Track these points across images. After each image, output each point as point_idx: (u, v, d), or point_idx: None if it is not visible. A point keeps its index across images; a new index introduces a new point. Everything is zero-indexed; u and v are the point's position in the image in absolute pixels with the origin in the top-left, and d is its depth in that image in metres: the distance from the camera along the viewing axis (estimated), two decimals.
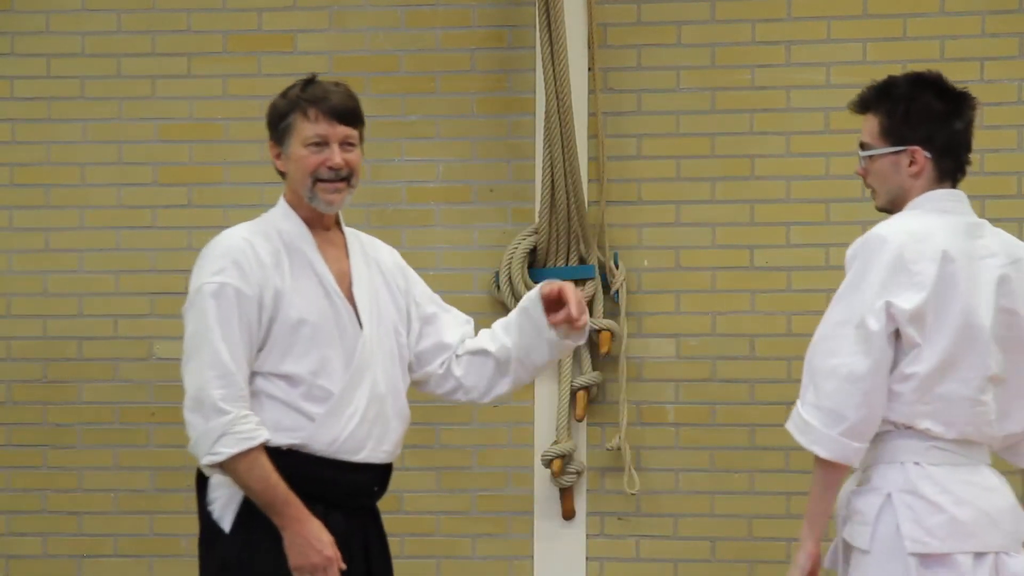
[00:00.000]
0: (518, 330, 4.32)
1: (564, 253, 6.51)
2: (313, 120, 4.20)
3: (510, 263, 6.45)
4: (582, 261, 6.53)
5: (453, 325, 4.42)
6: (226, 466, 4.02)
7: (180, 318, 6.75)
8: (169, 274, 6.77)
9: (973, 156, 6.45)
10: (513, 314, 4.37)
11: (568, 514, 6.54)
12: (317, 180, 4.18)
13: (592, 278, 6.52)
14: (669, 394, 6.54)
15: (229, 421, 4.00)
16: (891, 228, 3.81)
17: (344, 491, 4.13)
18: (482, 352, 4.37)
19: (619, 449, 6.49)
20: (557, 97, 6.37)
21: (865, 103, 3.97)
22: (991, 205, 6.49)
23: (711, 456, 6.53)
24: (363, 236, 4.42)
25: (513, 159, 6.69)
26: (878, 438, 3.82)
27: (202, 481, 4.19)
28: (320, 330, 4.10)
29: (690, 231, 6.64)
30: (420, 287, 4.44)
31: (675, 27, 6.65)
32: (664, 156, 6.64)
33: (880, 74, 6.50)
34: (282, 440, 4.07)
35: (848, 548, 3.85)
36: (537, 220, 6.49)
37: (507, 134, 6.70)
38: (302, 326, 4.08)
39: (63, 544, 6.78)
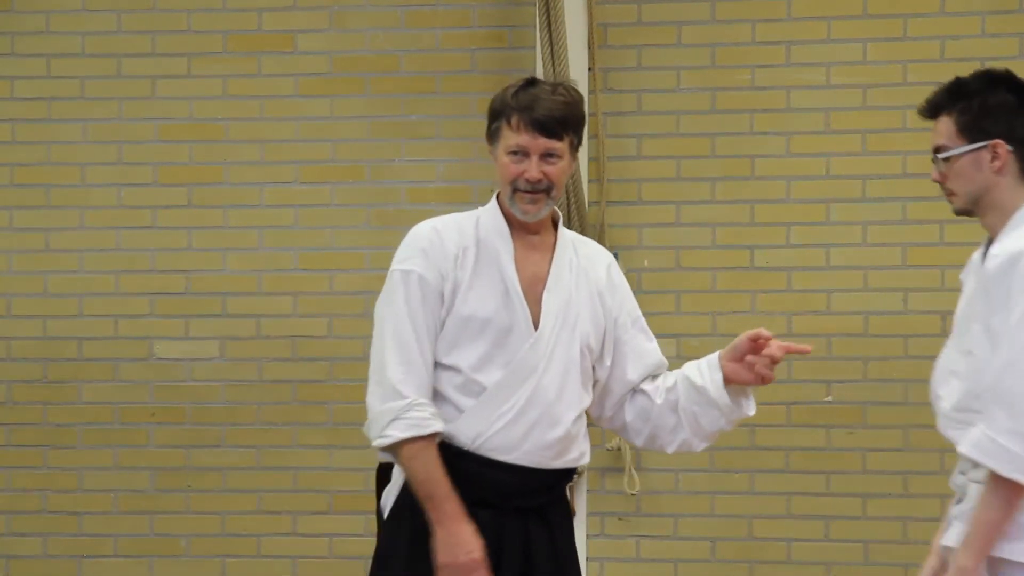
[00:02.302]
0: (686, 391, 4.28)
1: None
2: (515, 130, 4.07)
3: None
4: None
5: (641, 359, 4.35)
6: (393, 450, 4.00)
7: (180, 318, 6.80)
8: (169, 274, 6.77)
9: None
10: (694, 371, 4.31)
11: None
12: (515, 190, 4.10)
13: None
14: None
15: (404, 406, 3.98)
16: None
17: (490, 489, 4.07)
18: (649, 400, 4.32)
19: (619, 449, 6.49)
20: None
21: (937, 106, 3.88)
22: None
23: (711, 456, 6.53)
24: (582, 244, 4.34)
25: None
26: None
27: (382, 474, 4.22)
28: (489, 326, 4.07)
29: (690, 231, 6.64)
30: (628, 307, 4.36)
31: (675, 27, 6.64)
32: (664, 156, 6.64)
33: (880, 74, 6.56)
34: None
35: (1006, 564, 3.74)
36: None
37: None
38: (471, 320, 4.07)
39: (63, 544, 6.78)
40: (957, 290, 6.46)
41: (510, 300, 4.09)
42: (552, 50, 6.35)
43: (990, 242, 3.93)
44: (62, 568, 6.77)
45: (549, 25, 6.34)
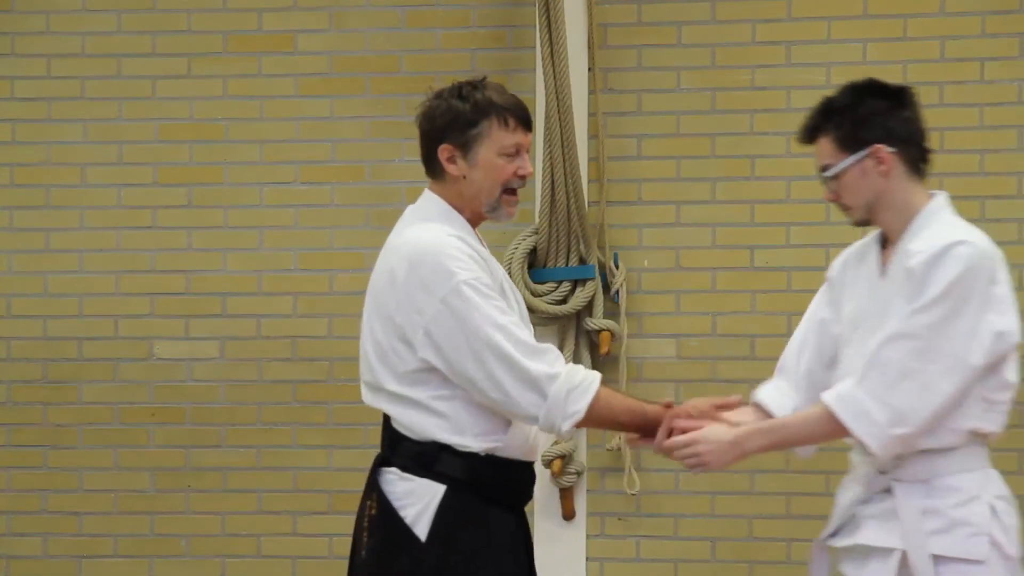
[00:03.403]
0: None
1: (564, 253, 6.50)
2: (511, 130, 4.07)
3: (510, 263, 6.44)
4: (582, 261, 6.53)
5: None
6: (587, 418, 3.95)
7: (180, 318, 6.80)
8: (169, 274, 6.78)
9: (973, 156, 6.53)
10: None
11: (568, 515, 6.54)
12: (506, 190, 4.10)
13: (592, 278, 6.52)
14: (669, 394, 6.53)
15: (565, 378, 3.93)
16: (975, 238, 3.78)
17: (527, 491, 4.14)
18: None
19: (619, 449, 6.49)
20: (557, 97, 6.37)
21: (813, 129, 3.95)
22: (991, 205, 6.49)
23: None
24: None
25: None
26: (955, 447, 3.79)
27: (377, 484, 4.07)
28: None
29: (690, 231, 6.63)
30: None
31: (675, 27, 6.64)
32: (664, 156, 6.64)
33: (880, 74, 6.53)
34: (482, 445, 4.00)
35: (940, 560, 3.76)
36: (537, 220, 6.48)
37: None
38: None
39: (63, 544, 6.78)
40: None
41: (507, 299, 4.10)
42: (552, 50, 6.35)
43: (884, 240, 3.96)
44: (62, 568, 6.77)
45: (549, 25, 6.34)
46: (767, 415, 4.11)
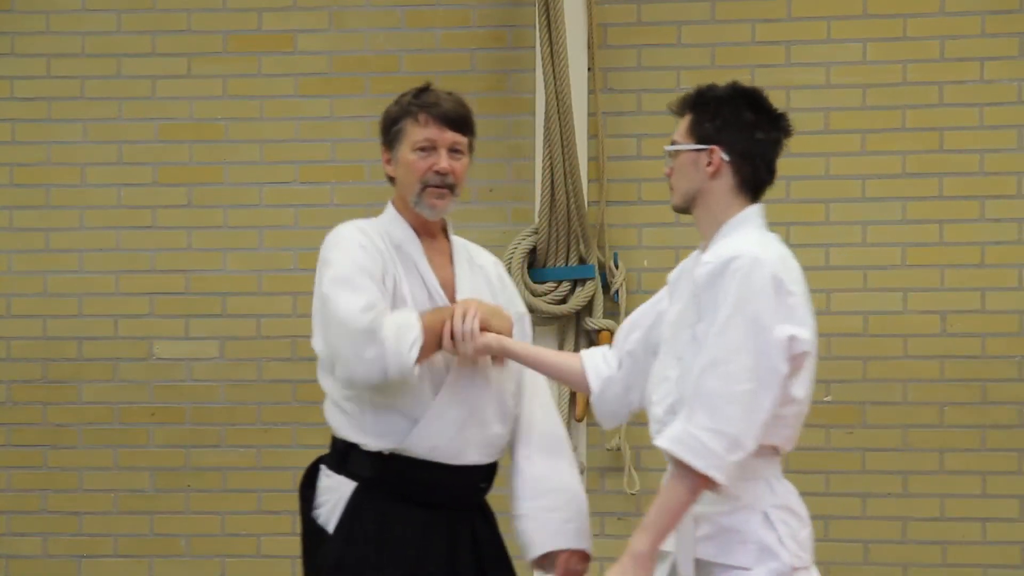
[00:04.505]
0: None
1: (564, 253, 6.51)
2: (423, 125, 4.18)
3: (510, 263, 6.44)
4: (582, 261, 6.53)
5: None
6: (425, 350, 4.01)
7: (180, 318, 6.80)
8: (169, 274, 6.78)
9: (973, 156, 6.53)
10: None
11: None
12: (425, 186, 4.17)
13: (592, 278, 6.52)
14: None
15: (389, 323, 3.98)
16: (755, 250, 3.81)
17: (448, 493, 4.16)
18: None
19: (619, 449, 6.49)
20: (557, 97, 6.37)
21: (684, 104, 3.99)
22: (991, 205, 6.49)
23: None
24: (470, 245, 4.42)
25: (513, 159, 6.69)
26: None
27: (308, 486, 4.23)
28: None
29: (690, 231, 6.54)
30: (515, 304, 4.41)
31: (675, 27, 6.65)
32: (664, 156, 6.63)
33: (880, 74, 6.57)
34: (383, 444, 4.10)
35: (709, 567, 3.79)
36: (537, 220, 6.49)
37: (507, 134, 6.70)
38: None
39: (63, 544, 6.78)
40: (957, 289, 6.52)
41: (433, 302, 4.16)
42: (552, 50, 6.35)
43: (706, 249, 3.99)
44: (62, 568, 6.77)
45: (549, 25, 6.34)
46: (582, 372, 4.13)
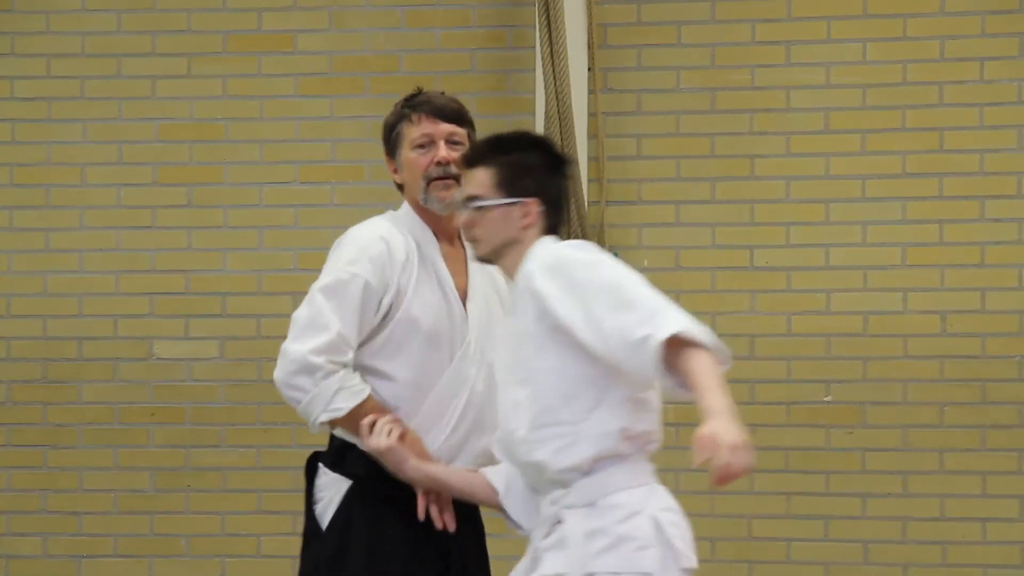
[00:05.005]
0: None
1: None
2: (417, 123, 4.22)
3: None
4: None
5: None
6: (343, 421, 4.07)
7: (180, 318, 6.80)
8: (169, 274, 6.78)
9: (973, 156, 6.55)
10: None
11: None
12: (429, 180, 4.20)
13: None
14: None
15: (341, 378, 4.05)
16: (550, 250, 3.86)
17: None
18: None
19: None
20: (557, 97, 6.37)
21: (476, 157, 3.99)
22: (991, 205, 6.49)
23: None
24: None
25: None
26: (611, 465, 3.80)
27: (310, 478, 4.25)
28: (434, 335, 4.15)
29: (690, 231, 6.64)
30: None
31: (675, 27, 6.65)
32: (664, 156, 6.64)
33: (880, 74, 6.57)
34: None
35: None
36: None
37: None
38: (417, 327, 4.14)
39: (63, 544, 6.78)
40: (957, 289, 6.52)
41: (450, 306, 4.18)
42: (552, 50, 6.35)
43: None
44: (62, 568, 6.77)
45: (549, 25, 6.34)
46: (485, 481, 4.09)
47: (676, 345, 3.64)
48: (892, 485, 6.52)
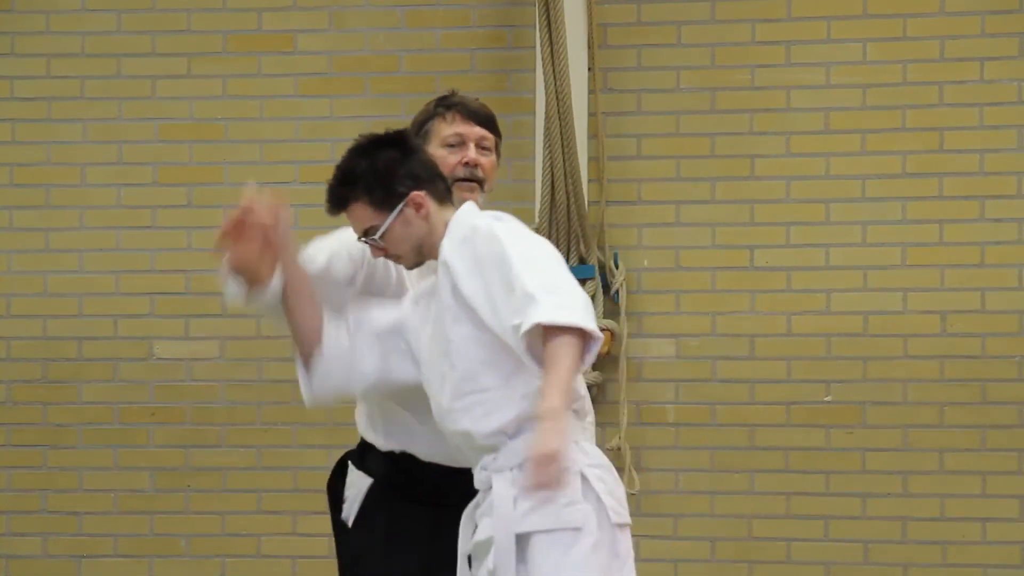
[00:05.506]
0: None
1: (564, 253, 6.50)
2: (451, 122, 4.21)
3: None
4: (582, 261, 6.53)
5: None
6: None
7: (180, 318, 6.80)
8: (169, 274, 6.78)
9: (973, 156, 6.54)
10: None
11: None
12: (454, 180, 4.17)
13: (592, 278, 6.52)
14: (669, 394, 6.54)
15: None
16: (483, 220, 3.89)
17: (455, 493, 4.14)
18: None
19: (619, 449, 6.48)
20: (557, 97, 6.37)
21: (341, 199, 4.04)
22: (991, 205, 6.49)
23: (711, 456, 6.53)
24: None
25: (513, 159, 6.68)
26: (535, 425, 3.78)
27: (335, 481, 4.29)
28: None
29: (690, 231, 6.64)
30: None
31: (675, 27, 6.65)
32: (664, 156, 6.64)
33: (880, 74, 6.57)
34: (389, 444, 4.17)
35: (536, 538, 3.78)
36: (537, 220, 6.48)
37: (507, 134, 6.57)
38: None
39: (63, 544, 6.78)
40: (957, 289, 6.52)
41: (401, 284, 4.19)
42: (552, 50, 6.35)
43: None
44: (62, 568, 6.77)
45: (549, 25, 6.34)
46: (319, 323, 4.07)
47: (548, 331, 3.65)
48: (892, 485, 6.52)
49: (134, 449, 6.77)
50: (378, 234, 3.94)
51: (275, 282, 4.08)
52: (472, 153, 4.19)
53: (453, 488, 4.15)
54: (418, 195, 3.90)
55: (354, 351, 4.01)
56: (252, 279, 4.13)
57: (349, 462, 4.29)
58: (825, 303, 6.54)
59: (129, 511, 6.76)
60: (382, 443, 4.17)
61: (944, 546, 6.48)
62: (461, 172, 4.18)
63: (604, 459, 3.94)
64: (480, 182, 4.19)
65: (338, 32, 6.78)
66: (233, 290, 4.14)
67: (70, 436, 6.78)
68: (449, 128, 4.21)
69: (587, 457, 3.90)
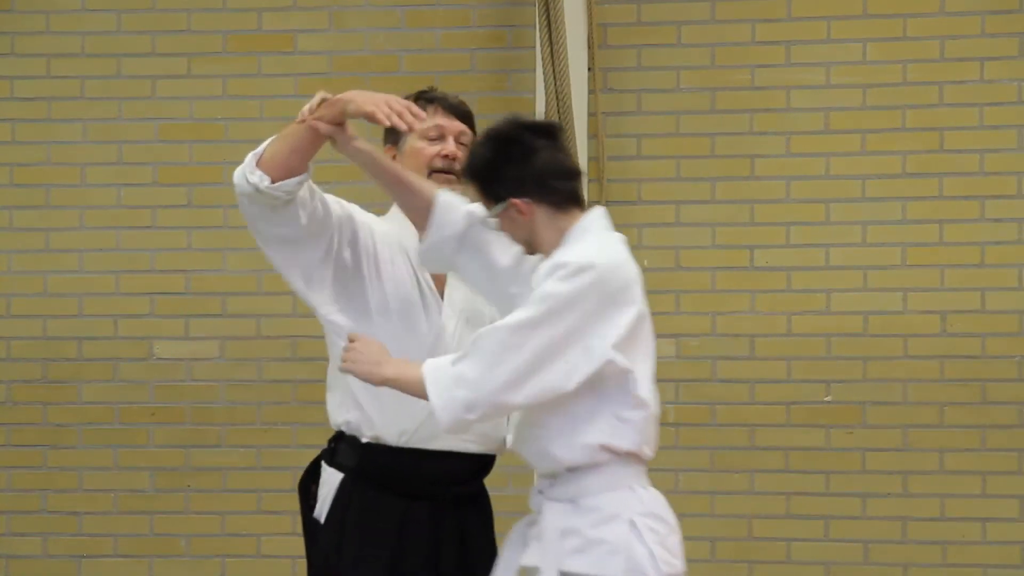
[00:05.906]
0: None
1: None
2: (431, 115, 4.28)
3: None
4: None
5: None
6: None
7: (180, 318, 6.80)
8: (169, 274, 6.78)
9: (973, 156, 6.54)
10: None
11: None
12: (431, 171, 4.26)
13: None
14: (669, 394, 6.54)
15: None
16: (590, 254, 3.89)
17: (427, 479, 4.18)
18: None
19: None
20: (557, 97, 6.37)
21: (464, 175, 4.03)
22: (991, 205, 6.49)
23: (711, 456, 6.53)
24: None
25: None
26: (596, 467, 3.80)
27: (306, 482, 4.31)
28: (404, 318, 4.20)
29: (690, 231, 6.64)
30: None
31: (675, 27, 6.65)
32: (664, 156, 6.64)
33: (880, 74, 6.57)
34: (358, 432, 4.20)
35: None
36: None
37: None
38: (386, 309, 4.20)
39: (63, 544, 6.78)
40: (957, 289, 6.52)
41: (423, 293, 4.23)
42: (552, 50, 6.35)
43: None
44: (62, 568, 6.77)
45: (549, 25, 6.34)
46: (430, 199, 4.12)
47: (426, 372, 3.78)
48: (892, 485, 6.52)
49: (134, 449, 6.77)
50: (488, 218, 3.96)
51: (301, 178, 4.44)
52: (451, 147, 4.27)
53: (424, 478, 4.18)
54: (519, 203, 3.88)
55: (460, 243, 4.08)
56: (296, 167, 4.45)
57: (322, 461, 4.30)
58: (825, 303, 6.54)
59: (129, 511, 6.76)
60: (354, 418, 4.18)
61: (944, 546, 6.48)
62: (439, 163, 4.26)
63: (659, 506, 3.89)
64: (457, 174, 4.23)
65: (338, 32, 6.78)
66: (256, 178, 4.45)
67: (70, 436, 6.78)
68: (430, 120, 4.26)
69: (641, 505, 3.85)
